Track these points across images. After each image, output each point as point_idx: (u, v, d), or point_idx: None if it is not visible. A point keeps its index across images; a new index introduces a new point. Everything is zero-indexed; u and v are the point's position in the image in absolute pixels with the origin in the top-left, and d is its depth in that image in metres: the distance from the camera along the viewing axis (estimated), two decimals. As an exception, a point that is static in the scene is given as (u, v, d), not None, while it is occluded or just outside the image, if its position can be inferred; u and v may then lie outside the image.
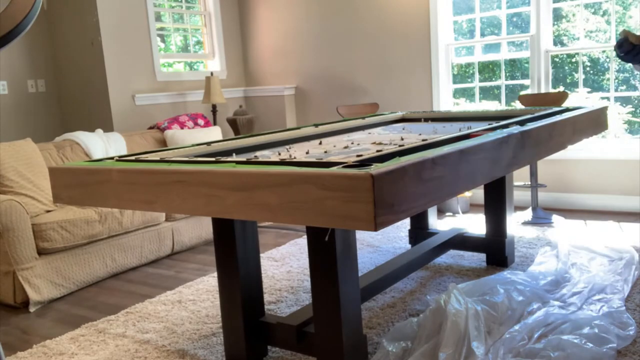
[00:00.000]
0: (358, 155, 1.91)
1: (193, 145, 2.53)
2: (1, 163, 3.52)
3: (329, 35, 5.54)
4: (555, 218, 4.23)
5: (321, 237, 2.02)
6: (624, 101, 5.05)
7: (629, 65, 5.19)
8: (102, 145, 4.25)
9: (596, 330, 2.29)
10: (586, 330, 2.30)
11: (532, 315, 2.49)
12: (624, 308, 2.55)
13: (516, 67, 5.50)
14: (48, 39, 5.09)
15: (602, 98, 4.84)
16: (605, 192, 4.48)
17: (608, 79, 5.00)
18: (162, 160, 2.07)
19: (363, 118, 3.59)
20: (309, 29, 5.67)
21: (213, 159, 2.07)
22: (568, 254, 3.25)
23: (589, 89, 5.09)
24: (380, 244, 3.95)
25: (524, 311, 2.55)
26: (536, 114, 3.09)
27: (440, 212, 4.68)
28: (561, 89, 5.01)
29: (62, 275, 3.41)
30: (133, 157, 2.23)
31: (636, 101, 5.12)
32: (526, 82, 4.87)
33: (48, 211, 3.57)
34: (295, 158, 2.10)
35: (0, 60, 4.63)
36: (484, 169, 2.09)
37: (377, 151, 1.99)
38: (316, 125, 3.18)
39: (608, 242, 3.41)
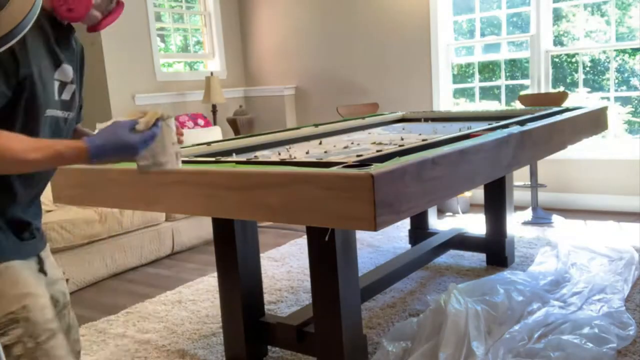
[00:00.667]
0: (358, 155, 1.91)
1: (193, 145, 2.53)
2: (1, 163, 3.51)
3: (329, 35, 5.54)
4: (555, 218, 4.23)
5: (321, 237, 2.02)
6: (624, 101, 5.05)
7: (629, 66, 5.20)
8: (102, 145, 4.25)
9: (596, 330, 2.29)
10: (586, 330, 2.30)
11: (532, 315, 2.49)
12: (624, 308, 2.55)
13: (516, 67, 5.50)
14: (48, 39, 5.09)
15: (602, 98, 4.84)
16: (605, 192, 4.48)
17: (608, 79, 5.00)
18: (162, 160, 2.07)
19: (363, 118, 3.59)
20: (309, 29, 5.67)
21: (213, 159, 2.07)
22: (568, 254, 3.24)
23: (589, 89, 5.09)
24: (380, 244, 3.95)
25: (524, 311, 2.54)
26: (536, 114, 3.09)
27: (440, 212, 4.68)
28: (561, 89, 5.01)
29: (62, 275, 3.41)
30: (133, 157, 2.23)
31: (636, 101, 5.12)
32: (526, 82, 4.87)
33: (48, 211, 3.57)
34: (295, 158, 2.10)
35: (0, 60, 4.63)
36: (484, 169, 2.09)
37: (377, 151, 1.99)
38: (316, 125, 3.18)
39: (608, 242, 3.41)
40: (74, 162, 1.20)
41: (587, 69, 5.42)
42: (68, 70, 1.35)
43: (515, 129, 2.39)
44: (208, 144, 2.59)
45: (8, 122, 1.20)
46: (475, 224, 4.18)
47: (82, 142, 1.18)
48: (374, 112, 4.84)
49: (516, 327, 2.37)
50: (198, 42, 5.98)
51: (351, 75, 5.47)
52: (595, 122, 3.27)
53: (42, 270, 1.39)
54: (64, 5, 1.27)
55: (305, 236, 2.15)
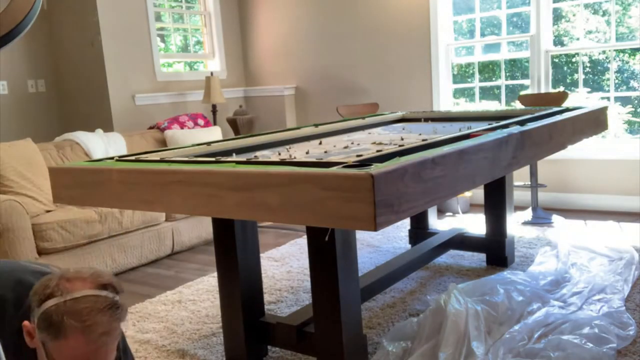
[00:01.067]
0: (358, 155, 1.91)
1: (193, 145, 2.53)
2: (1, 163, 3.51)
3: (329, 35, 5.54)
4: (555, 218, 4.23)
5: (321, 237, 2.02)
6: (624, 101, 5.05)
7: (629, 66, 5.20)
8: (102, 145, 4.25)
9: (596, 330, 2.29)
10: (586, 330, 2.30)
11: (532, 315, 2.49)
12: (624, 308, 2.55)
13: (516, 67, 5.51)
14: (48, 39, 5.09)
15: (602, 98, 4.84)
16: (605, 192, 4.48)
17: (608, 79, 5.00)
18: (162, 160, 2.07)
19: (363, 118, 3.59)
20: (309, 29, 5.67)
21: (213, 159, 2.07)
22: (568, 254, 3.24)
23: (589, 89, 5.09)
24: (380, 244, 3.95)
25: (524, 311, 2.54)
26: (536, 114, 3.09)
27: (440, 212, 4.68)
28: (561, 89, 5.01)
29: (62, 275, 3.41)
30: (133, 157, 2.23)
31: (636, 101, 5.12)
32: (526, 82, 4.87)
33: (48, 211, 3.57)
34: (295, 158, 2.10)
35: (0, 60, 4.63)
36: (484, 169, 2.09)
37: (377, 151, 1.99)
38: (316, 125, 3.18)
39: (608, 242, 3.41)
40: None
41: (587, 69, 5.42)
42: None
43: (515, 129, 2.39)
44: (208, 144, 2.59)
45: None
46: (475, 224, 4.18)
47: None
48: (374, 112, 4.85)
49: (516, 327, 2.37)
50: (198, 42, 5.98)
51: (351, 75, 5.47)
52: (595, 122, 3.27)
53: None
54: None
55: (305, 236, 2.15)
